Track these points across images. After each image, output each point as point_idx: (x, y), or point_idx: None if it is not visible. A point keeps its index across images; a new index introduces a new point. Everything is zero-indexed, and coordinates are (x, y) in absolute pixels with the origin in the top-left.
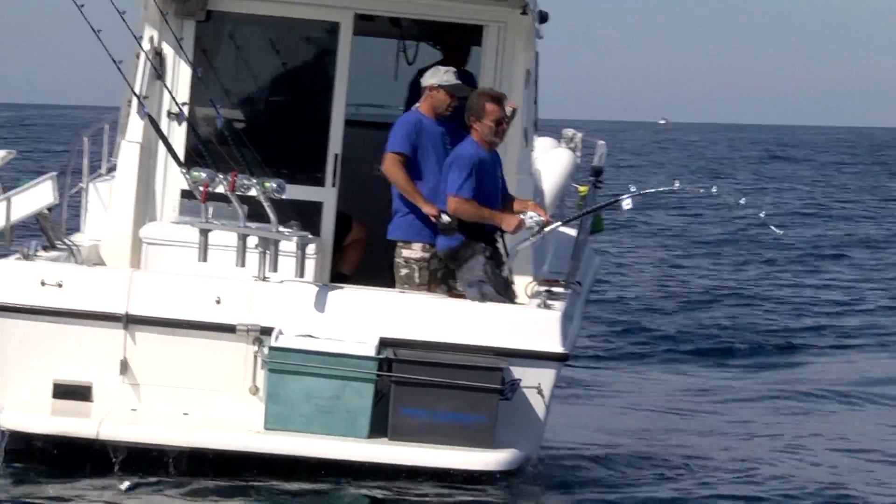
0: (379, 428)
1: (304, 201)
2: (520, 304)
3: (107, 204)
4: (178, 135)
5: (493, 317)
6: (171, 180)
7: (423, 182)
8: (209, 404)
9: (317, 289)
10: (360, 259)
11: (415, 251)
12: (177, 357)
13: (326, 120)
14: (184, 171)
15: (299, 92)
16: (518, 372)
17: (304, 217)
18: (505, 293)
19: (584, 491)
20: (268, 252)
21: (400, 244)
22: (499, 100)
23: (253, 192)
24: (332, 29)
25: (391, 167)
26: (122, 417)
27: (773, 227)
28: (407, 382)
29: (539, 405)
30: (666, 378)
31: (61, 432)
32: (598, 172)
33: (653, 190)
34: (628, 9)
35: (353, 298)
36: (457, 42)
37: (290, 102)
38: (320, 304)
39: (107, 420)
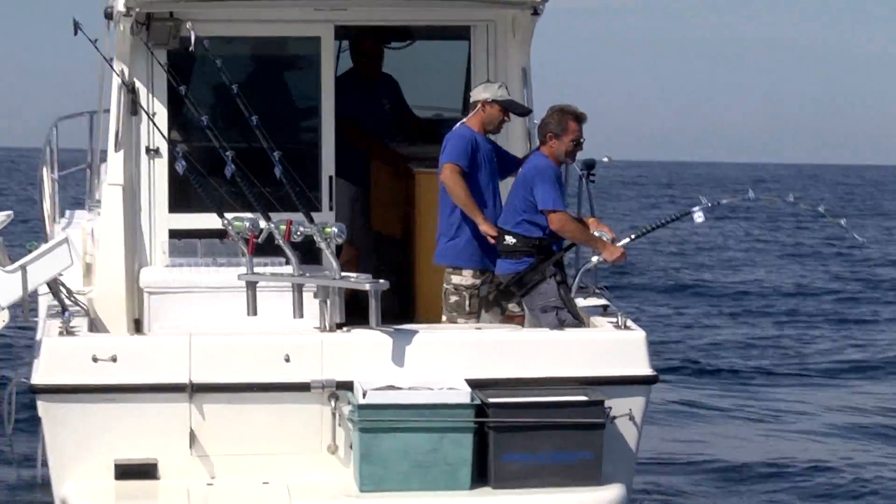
0: (478, 476)
1: None
2: (596, 327)
3: (80, 252)
4: (159, 173)
5: (578, 344)
6: (159, 221)
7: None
8: (286, 469)
9: (390, 335)
10: None
11: (465, 278)
12: (247, 423)
13: (316, 140)
14: (225, 222)
15: (285, 114)
16: (609, 400)
17: (304, 246)
18: (579, 317)
19: None
20: (328, 301)
21: (449, 270)
22: (581, 120)
23: (316, 238)
24: (314, 44)
25: (452, 179)
26: (205, 495)
27: (855, 235)
28: (507, 428)
29: (632, 433)
30: None
31: None
32: (590, 166)
33: (726, 200)
34: (571, 48)
35: (429, 341)
36: (371, 47)
37: (276, 126)
38: (397, 350)
39: (191, 500)
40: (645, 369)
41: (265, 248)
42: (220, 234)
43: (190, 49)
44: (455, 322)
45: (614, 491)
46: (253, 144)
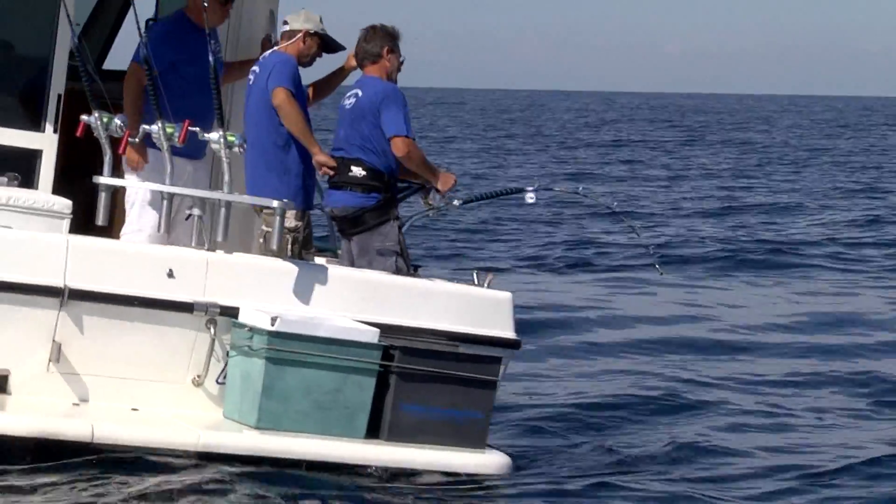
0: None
1: (18, 148)
2: (460, 284)
3: None
4: None
5: (449, 298)
6: None
7: None
8: (145, 398)
9: (278, 263)
10: None
11: (289, 220)
12: (117, 342)
13: (46, 53)
14: (95, 116)
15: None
16: None
17: (20, 169)
18: (410, 267)
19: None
20: (203, 218)
21: (268, 211)
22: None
23: (214, 147)
24: None
25: (291, 103)
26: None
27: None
28: (410, 375)
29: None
30: None
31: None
32: None
33: (558, 189)
34: None
35: (317, 275)
36: None
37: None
38: (284, 280)
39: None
40: (509, 332)
41: None
42: None
43: None
44: None
45: (500, 458)
46: None
